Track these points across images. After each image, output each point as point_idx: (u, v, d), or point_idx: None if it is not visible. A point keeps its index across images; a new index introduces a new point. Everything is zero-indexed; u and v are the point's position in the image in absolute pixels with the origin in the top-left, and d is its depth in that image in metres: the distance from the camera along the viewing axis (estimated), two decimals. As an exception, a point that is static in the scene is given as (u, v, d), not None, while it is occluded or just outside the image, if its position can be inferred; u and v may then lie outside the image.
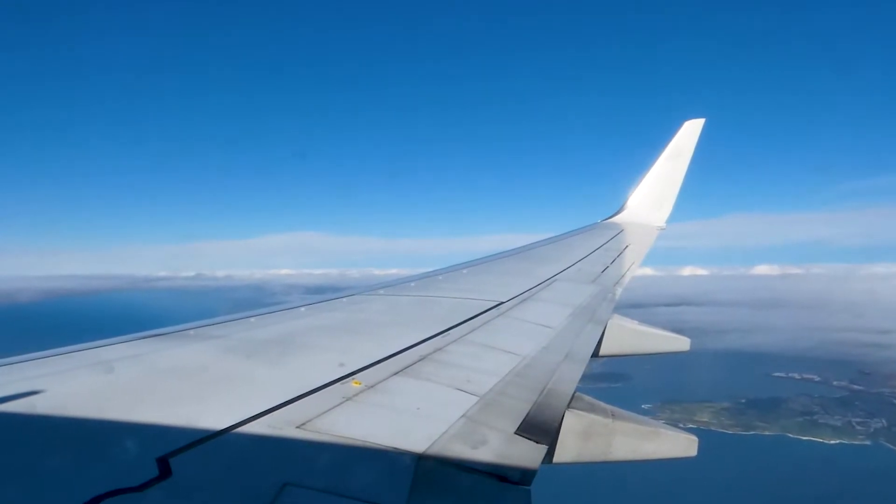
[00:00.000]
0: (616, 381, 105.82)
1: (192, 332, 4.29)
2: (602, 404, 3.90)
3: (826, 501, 68.24)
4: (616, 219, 14.26)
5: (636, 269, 9.87)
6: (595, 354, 5.61)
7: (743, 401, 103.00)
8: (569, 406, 3.63)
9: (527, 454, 2.82)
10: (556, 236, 12.94)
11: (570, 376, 4.16)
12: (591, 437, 3.65)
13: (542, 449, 2.93)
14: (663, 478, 66.82)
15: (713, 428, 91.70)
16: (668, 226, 13.58)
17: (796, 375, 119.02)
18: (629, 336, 6.56)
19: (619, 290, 8.07)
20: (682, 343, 6.95)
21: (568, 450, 3.54)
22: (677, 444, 3.97)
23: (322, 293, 6.78)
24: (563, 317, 5.94)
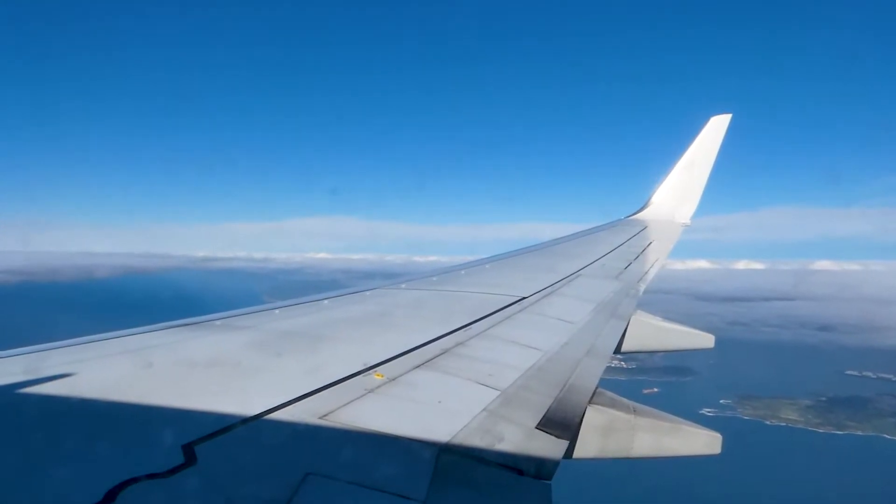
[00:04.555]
0: (684, 376, 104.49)
1: (218, 322, 4.36)
2: (624, 400, 3.87)
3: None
4: (640, 215, 14.12)
5: (660, 265, 9.77)
6: (617, 350, 5.57)
7: (824, 399, 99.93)
8: (590, 401, 3.61)
9: (547, 449, 2.81)
10: (579, 232, 12.86)
11: (591, 371, 4.14)
12: (613, 433, 3.63)
13: (563, 444, 2.92)
14: (765, 478, 66.16)
15: (801, 426, 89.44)
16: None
17: (871, 374, 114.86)
18: (652, 332, 6.49)
19: (642, 287, 8.00)
20: (706, 340, 6.87)
21: (589, 445, 3.52)
22: (700, 440, 3.93)
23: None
24: (585, 312, 5.90)
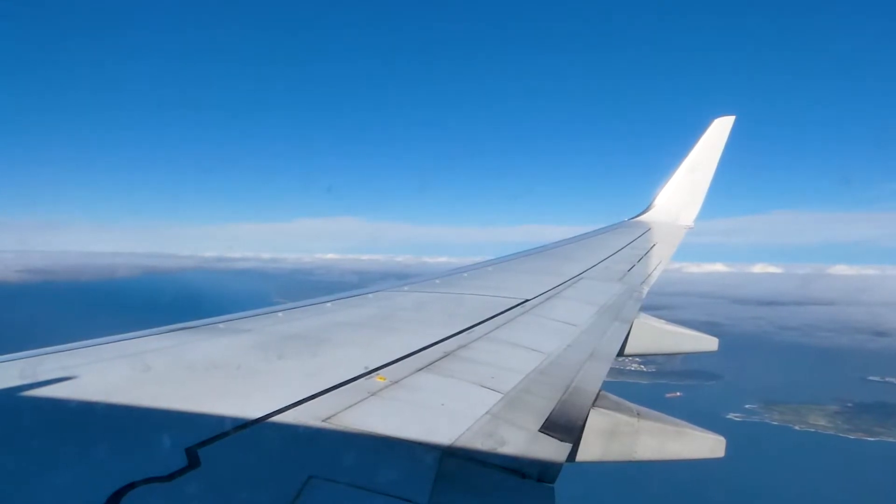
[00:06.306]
0: (708, 380, 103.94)
1: (221, 325, 4.37)
2: (628, 403, 3.85)
3: None
4: (643, 217, 14.10)
5: (663, 267, 9.76)
6: (621, 353, 5.55)
7: (850, 404, 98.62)
8: (594, 404, 3.60)
9: (550, 452, 2.81)
10: (582, 234, 12.85)
11: (595, 374, 4.13)
12: (616, 436, 3.61)
13: (566, 447, 2.92)
14: (802, 483, 65.78)
15: (831, 432, 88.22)
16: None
17: (893, 380, 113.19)
18: (656, 335, 6.47)
19: (645, 289, 7.98)
20: (710, 343, 6.84)
21: (592, 448, 3.51)
22: (704, 444, 3.90)
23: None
24: (588, 315, 5.90)
